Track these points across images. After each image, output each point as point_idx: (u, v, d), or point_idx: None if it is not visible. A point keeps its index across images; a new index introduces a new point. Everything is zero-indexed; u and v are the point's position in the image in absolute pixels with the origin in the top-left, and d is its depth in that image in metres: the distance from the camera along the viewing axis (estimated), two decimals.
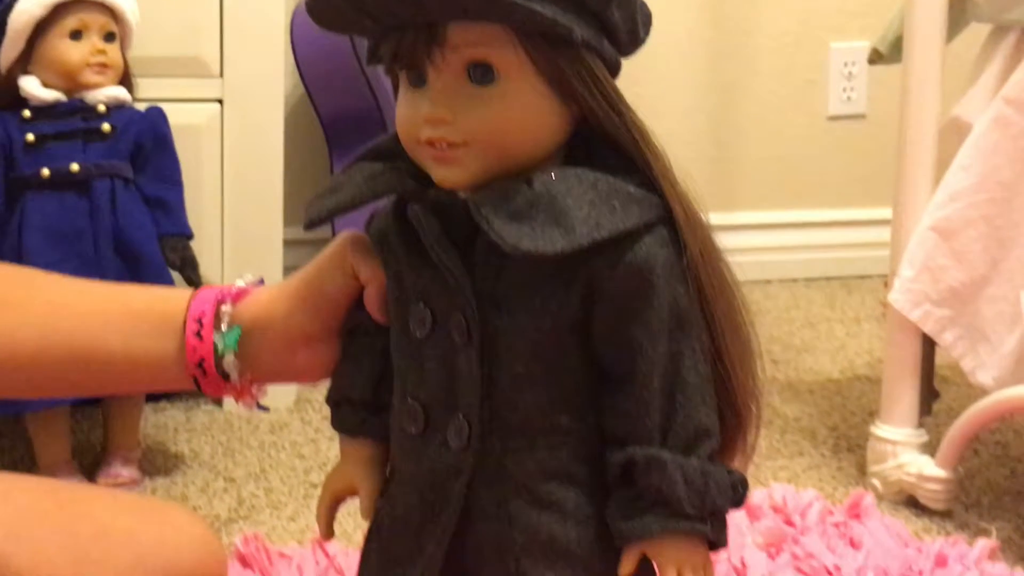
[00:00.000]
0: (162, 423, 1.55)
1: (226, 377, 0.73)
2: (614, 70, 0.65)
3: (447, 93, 0.62)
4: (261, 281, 0.78)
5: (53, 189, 1.36)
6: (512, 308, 0.63)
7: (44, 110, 1.37)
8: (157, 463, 1.44)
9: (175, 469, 1.43)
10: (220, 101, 1.56)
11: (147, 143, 1.41)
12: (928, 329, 1.37)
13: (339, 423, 0.71)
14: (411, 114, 0.63)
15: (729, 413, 0.65)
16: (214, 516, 1.30)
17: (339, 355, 0.72)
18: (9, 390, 0.84)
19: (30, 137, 1.36)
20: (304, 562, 1.15)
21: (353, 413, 0.70)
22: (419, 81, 0.63)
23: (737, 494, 0.64)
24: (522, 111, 0.62)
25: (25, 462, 1.40)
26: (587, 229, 0.60)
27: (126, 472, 1.38)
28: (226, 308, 0.74)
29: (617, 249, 0.61)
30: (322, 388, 1.54)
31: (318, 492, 1.37)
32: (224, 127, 1.56)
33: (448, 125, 0.62)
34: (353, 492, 0.71)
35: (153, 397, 1.51)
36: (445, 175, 0.63)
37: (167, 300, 0.77)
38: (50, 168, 1.35)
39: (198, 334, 0.74)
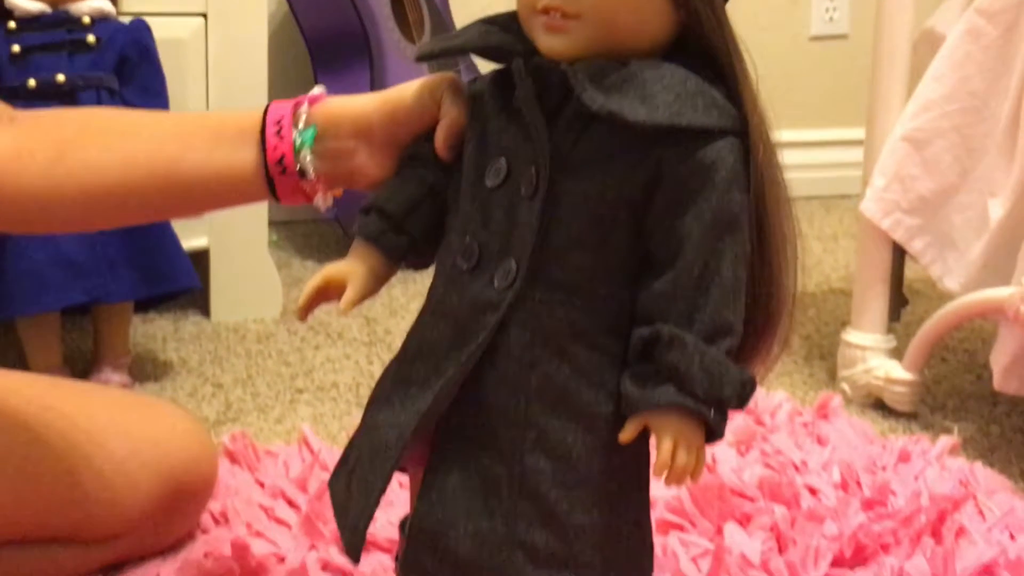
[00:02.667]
0: (151, 333, 1.58)
1: (303, 174, 0.78)
2: None
3: None
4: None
5: (40, 100, 1.37)
6: (581, 174, 0.67)
7: (29, 22, 1.38)
8: (146, 370, 1.47)
9: (164, 375, 1.46)
10: (204, 15, 1.57)
11: (132, 55, 1.42)
12: (898, 237, 1.41)
13: (362, 226, 0.75)
14: None
15: (762, 318, 0.69)
16: (203, 419, 1.33)
17: (391, 173, 0.77)
18: (99, 220, 0.91)
19: (16, 48, 1.37)
20: (290, 458, 1.19)
21: (378, 222, 0.75)
22: None
23: (744, 391, 0.67)
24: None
25: (17, 368, 1.43)
26: (669, 113, 0.65)
27: (116, 377, 1.41)
28: (303, 109, 0.79)
29: (691, 143, 0.65)
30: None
31: (304, 397, 1.43)
32: (208, 42, 1.58)
33: None
34: (343, 284, 0.73)
35: (141, 308, 1.54)
36: (552, 44, 0.67)
37: (241, 115, 0.82)
38: (36, 79, 1.37)
39: (278, 134, 0.79)
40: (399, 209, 0.75)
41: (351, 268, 0.74)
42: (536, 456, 0.68)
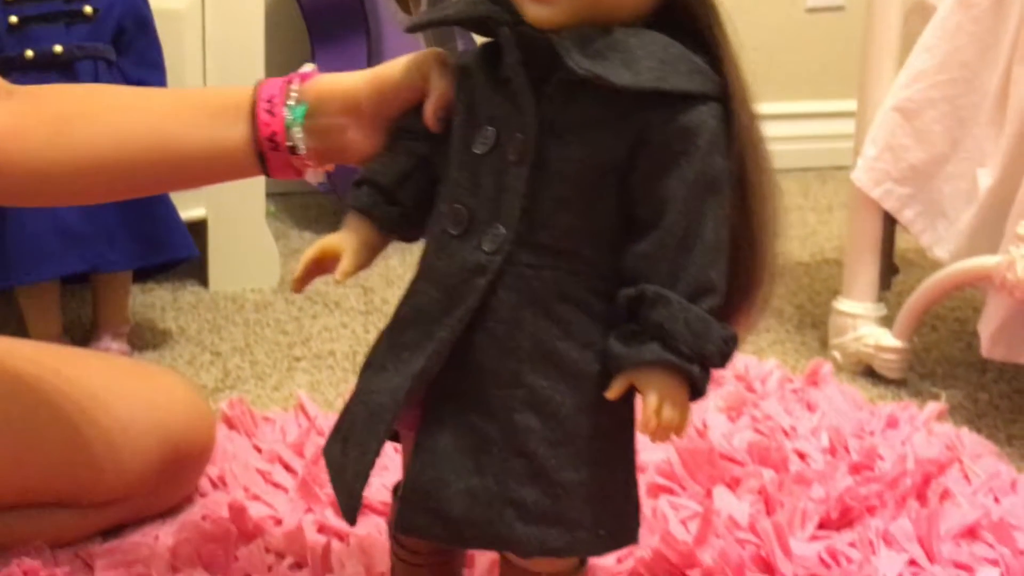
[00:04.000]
0: (150, 302, 1.60)
1: (293, 151, 0.81)
2: None
3: None
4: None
5: (37, 70, 1.38)
6: (567, 140, 0.69)
7: None
8: (146, 339, 1.49)
9: (163, 344, 1.48)
10: None
11: (129, 26, 1.43)
12: (889, 207, 1.42)
13: (355, 199, 0.77)
14: None
15: (744, 278, 0.71)
16: (201, 387, 1.35)
17: (381, 146, 0.79)
18: (95, 194, 0.92)
19: (13, 19, 1.38)
20: (287, 424, 1.21)
21: (370, 194, 0.77)
22: None
23: (727, 347, 0.69)
24: None
25: (18, 337, 1.45)
26: (652, 77, 0.67)
27: (116, 346, 1.43)
28: (294, 87, 0.82)
29: (674, 108, 0.68)
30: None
31: (301, 365, 1.45)
32: (205, 13, 1.59)
33: None
34: (337, 255, 0.76)
35: (140, 277, 1.55)
36: (539, 13, 0.69)
37: (233, 92, 0.84)
38: (34, 50, 1.38)
39: (269, 111, 0.81)
40: (390, 181, 0.77)
41: (345, 240, 0.76)
42: (526, 415, 0.70)
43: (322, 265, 0.77)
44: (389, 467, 1.06)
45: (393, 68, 0.80)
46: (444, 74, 0.77)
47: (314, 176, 0.83)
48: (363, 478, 0.74)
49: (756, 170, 0.70)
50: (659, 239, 0.68)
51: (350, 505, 0.75)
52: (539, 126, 0.70)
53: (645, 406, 0.68)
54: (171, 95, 0.92)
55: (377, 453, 0.74)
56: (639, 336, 0.68)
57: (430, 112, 0.77)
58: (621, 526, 0.74)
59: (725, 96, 0.69)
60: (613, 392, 0.69)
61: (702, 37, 0.69)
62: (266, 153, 0.82)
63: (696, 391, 0.69)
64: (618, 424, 0.73)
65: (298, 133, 0.81)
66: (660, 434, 0.68)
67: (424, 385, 0.73)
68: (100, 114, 0.86)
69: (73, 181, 0.85)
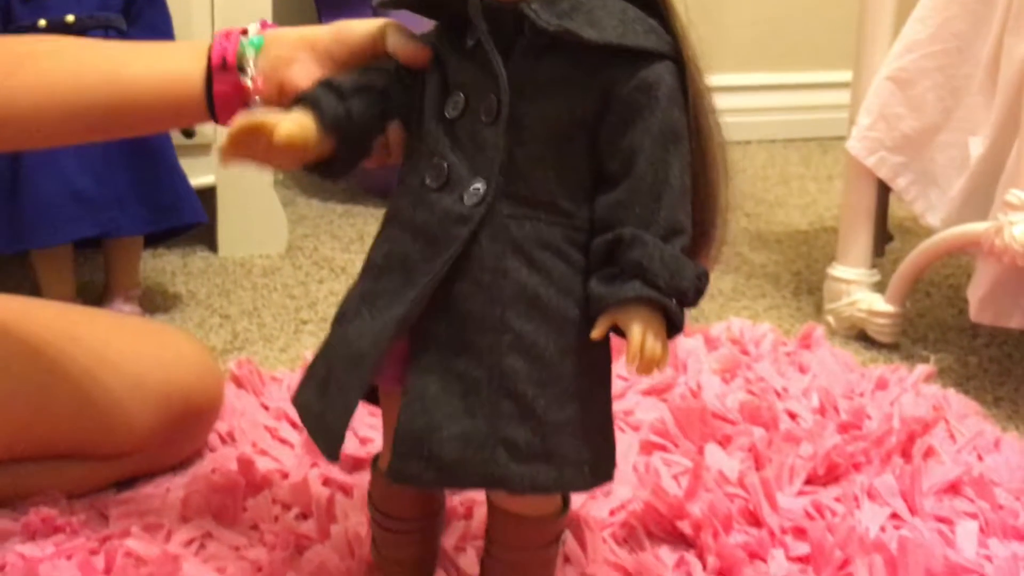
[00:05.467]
0: (160, 267, 1.64)
1: (242, 71, 0.83)
2: None
3: None
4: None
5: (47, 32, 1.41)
6: (538, 99, 0.74)
7: None
8: (156, 302, 1.53)
9: (173, 307, 1.52)
10: None
11: None
12: (883, 175, 1.45)
13: (304, 94, 0.78)
14: None
15: (703, 221, 0.77)
16: (211, 348, 1.39)
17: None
18: (48, 134, 0.91)
19: None
20: (293, 384, 1.23)
21: (321, 90, 0.78)
22: None
23: (700, 284, 0.74)
24: None
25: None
26: (615, 35, 0.72)
27: (127, 308, 1.46)
28: (254, 26, 0.86)
29: (635, 65, 0.73)
30: (312, 238, 1.67)
31: (308, 327, 1.48)
32: None
33: None
34: (272, 129, 0.74)
35: (151, 243, 1.59)
36: None
37: (194, 41, 0.87)
38: (47, 19, 1.41)
39: (224, 40, 0.85)
40: (347, 86, 0.79)
41: (285, 117, 0.76)
42: (513, 358, 0.73)
43: (257, 135, 0.75)
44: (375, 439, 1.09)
45: (357, 23, 0.84)
46: (412, 38, 0.80)
47: (257, 105, 0.83)
48: (346, 417, 0.76)
49: (708, 125, 0.75)
50: (631, 187, 0.73)
51: (332, 443, 0.77)
52: (511, 88, 0.74)
53: (630, 341, 0.72)
54: (137, 44, 0.94)
55: (360, 396, 0.76)
56: (619, 276, 0.72)
57: (410, 53, 0.80)
58: (602, 463, 0.78)
59: (677, 54, 0.74)
60: (598, 331, 0.73)
61: (651, 3, 0.75)
62: (215, 74, 0.84)
63: (673, 327, 0.74)
64: (598, 365, 0.77)
65: (250, 54, 0.84)
66: (644, 367, 0.72)
67: (404, 332, 0.75)
68: (59, 52, 0.88)
69: (28, 120, 0.87)
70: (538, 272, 0.74)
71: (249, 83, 0.84)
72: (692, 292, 0.73)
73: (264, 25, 0.86)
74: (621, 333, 0.74)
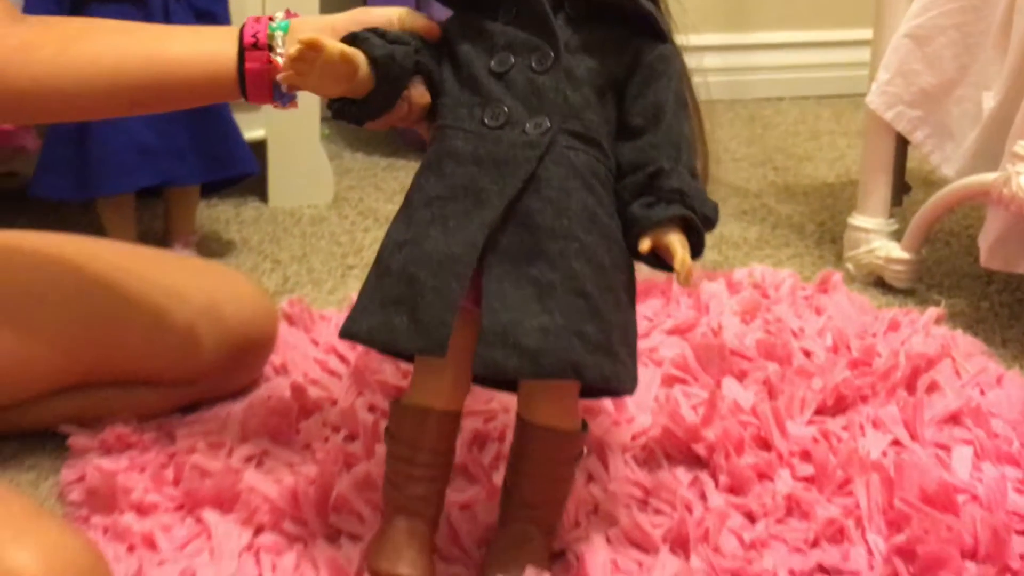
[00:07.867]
0: (215, 216, 1.74)
1: (272, 48, 0.93)
2: None
3: None
4: None
5: (112, 2, 1.50)
6: (579, 56, 0.89)
7: None
8: (212, 248, 1.63)
9: (227, 253, 1.62)
10: None
11: None
12: (901, 128, 1.51)
13: (350, 35, 0.89)
14: None
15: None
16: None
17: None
18: (92, 108, 1.00)
19: None
20: (341, 321, 1.33)
21: (367, 34, 0.89)
22: None
23: (715, 215, 0.89)
24: None
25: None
26: (646, 9, 0.89)
27: (185, 253, 1.56)
28: (280, 13, 0.96)
29: (655, 40, 0.90)
30: (357, 189, 1.79)
31: (354, 272, 1.57)
32: None
33: None
34: (328, 45, 0.84)
35: (206, 193, 1.69)
36: None
37: (226, 26, 0.98)
38: None
39: (255, 23, 0.95)
40: (391, 36, 0.90)
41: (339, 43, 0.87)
42: (580, 263, 0.85)
43: (313, 54, 0.84)
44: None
45: (375, 8, 0.95)
46: (423, 17, 0.93)
47: (284, 80, 0.89)
48: (453, 309, 0.82)
49: (692, 95, 0.93)
50: (664, 131, 0.88)
51: (436, 338, 0.82)
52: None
53: (675, 251, 0.85)
54: (175, 27, 1.05)
55: (463, 291, 0.83)
56: (661, 201, 0.86)
57: (427, 25, 0.92)
58: (633, 363, 0.90)
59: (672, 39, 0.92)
60: (646, 245, 0.86)
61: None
62: (247, 52, 0.93)
63: (696, 250, 0.87)
64: (631, 287, 0.90)
65: (279, 34, 0.94)
66: (686, 277, 0.84)
67: (484, 242, 0.84)
68: (103, 34, 0.98)
69: (74, 95, 0.96)
70: (592, 194, 0.87)
71: (279, 59, 0.93)
72: (712, 219, 0.88)
73: (288, 13, 0.96)
74: (652, 261, 0.88)
